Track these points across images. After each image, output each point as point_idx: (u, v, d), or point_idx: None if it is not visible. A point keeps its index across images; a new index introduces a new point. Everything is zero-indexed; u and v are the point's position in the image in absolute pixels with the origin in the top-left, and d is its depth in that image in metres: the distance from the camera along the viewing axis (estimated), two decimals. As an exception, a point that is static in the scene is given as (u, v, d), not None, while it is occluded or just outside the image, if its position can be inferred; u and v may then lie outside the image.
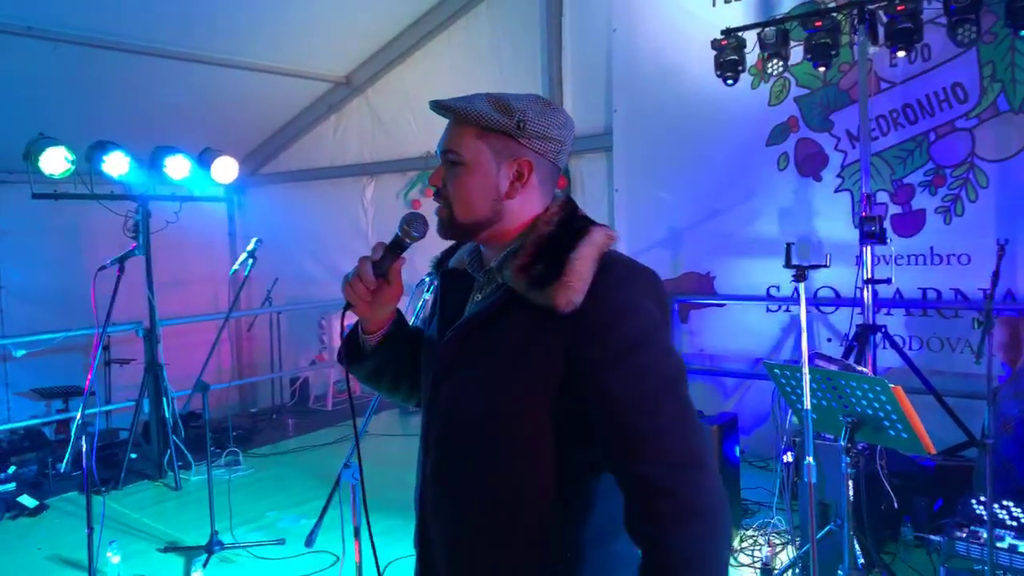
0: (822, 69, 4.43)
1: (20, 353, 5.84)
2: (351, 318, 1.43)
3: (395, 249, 1.35)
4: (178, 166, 5.02)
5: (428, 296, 2.10)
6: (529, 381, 1.22)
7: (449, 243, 1.48)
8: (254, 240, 4.24)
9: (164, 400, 5.10)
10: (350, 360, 1.45)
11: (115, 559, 3.52)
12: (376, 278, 1.32)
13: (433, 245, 1.45)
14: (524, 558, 1.24)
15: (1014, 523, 2.90)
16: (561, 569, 1.24)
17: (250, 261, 4.18)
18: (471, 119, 1.26)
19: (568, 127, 1.31)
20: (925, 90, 4.51)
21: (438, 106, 1.30)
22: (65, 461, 3.34)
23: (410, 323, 1.52)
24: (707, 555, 1.12)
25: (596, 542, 1.25)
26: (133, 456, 5.14)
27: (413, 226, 1.35)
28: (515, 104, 1.27)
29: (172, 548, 3.95)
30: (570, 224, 1.28)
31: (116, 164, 4.75)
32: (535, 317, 1.20)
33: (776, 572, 3.30)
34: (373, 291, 1.34)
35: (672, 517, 1.11)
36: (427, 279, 2.09)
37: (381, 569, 3.83)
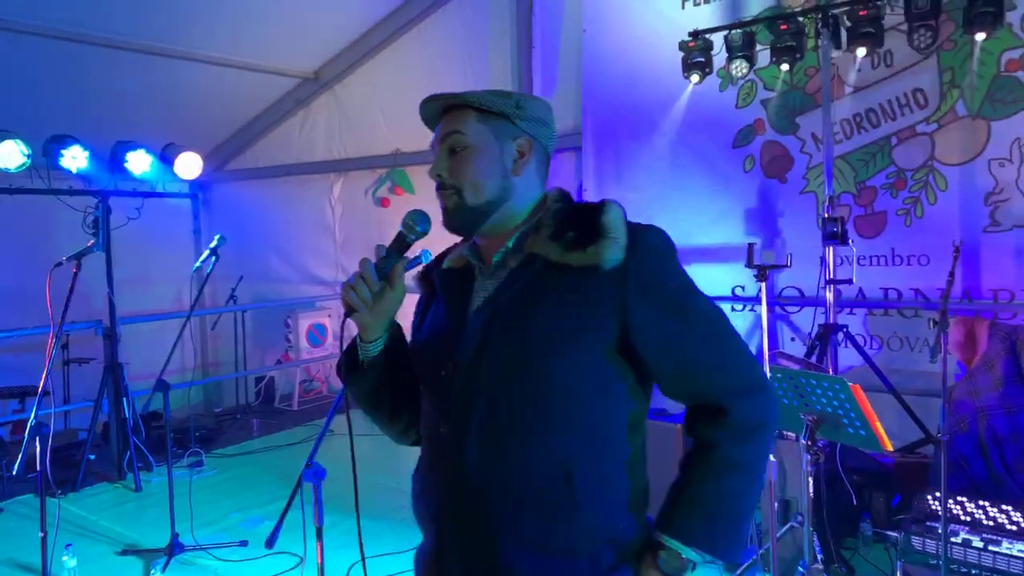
0: (785, 67, 4.50)
1: (-26, 352, 5.68)
2: (352, 329, 1.35)
3: (398, 247, 1.30)
4: (140, 161, 4.91)
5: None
6: (579, 341, 1.21)
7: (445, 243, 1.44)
8: (217, 237, 4.17)
9: (124, 400, 4.99)
10: (349, 374, 1.37)
11: (71, 563, 3.44)
12: (379, 279, 1.28)
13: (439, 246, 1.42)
14: (580, 522, 1.22)
15: (968, 519, 2.97)
16: (620, 532, 1.26)
17: (212, 258, 4.11)
18: (471, 102, 1.29)
19: (552, 115, 1.39)
20: (887, 95, 4.59)
21: (435, 98, 1.30)
22: (17, 463, 3.25)
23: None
24: (756, 465, 1.27)
25: (640, 508, 1.30)
26: (92, 457, 5.03)
27: (417, 222, 1.31)
28: (509, 91, 1.33)
29: (131, 551, 3.88)
30: (578, 203, 1.34)
31: (75, 158, 4.64)
32: (573, 280, 1.22)
33: (738, 569, 3.33)
34: (376, 294, 1.29)
35: (739, 431, 1.23)
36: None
37: (346, 571, 3.78)
